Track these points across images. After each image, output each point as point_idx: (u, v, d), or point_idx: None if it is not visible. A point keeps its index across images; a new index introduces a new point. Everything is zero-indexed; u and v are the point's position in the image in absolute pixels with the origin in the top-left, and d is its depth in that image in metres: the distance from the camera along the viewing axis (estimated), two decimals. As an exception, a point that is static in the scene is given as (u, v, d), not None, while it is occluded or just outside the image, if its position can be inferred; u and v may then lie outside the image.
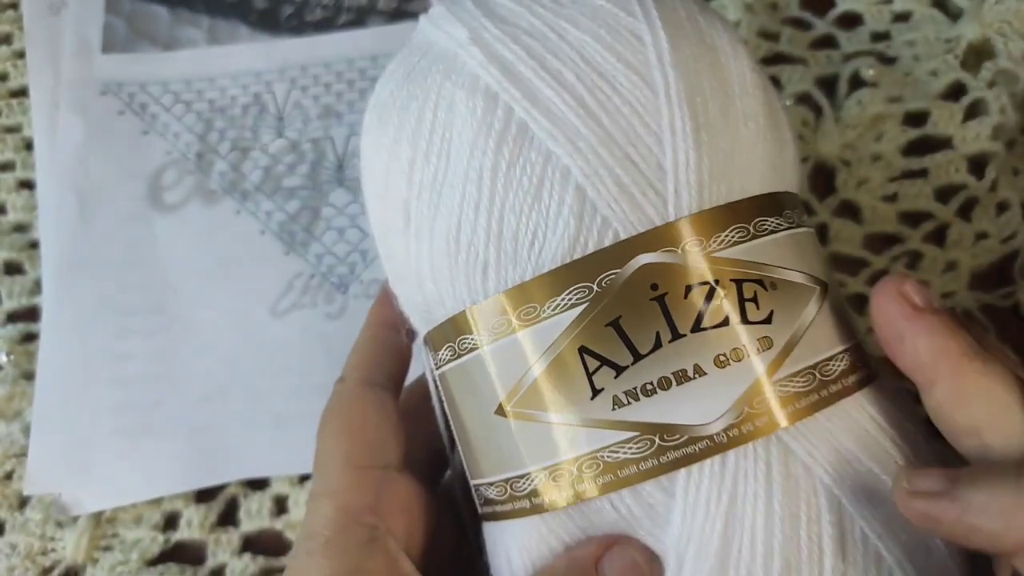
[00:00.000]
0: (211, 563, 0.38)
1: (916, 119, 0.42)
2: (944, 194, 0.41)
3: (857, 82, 0.43)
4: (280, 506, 0.39)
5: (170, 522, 0.39)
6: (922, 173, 0.41)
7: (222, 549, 0.39)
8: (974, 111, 0.41)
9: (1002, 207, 0.40)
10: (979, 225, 0.40)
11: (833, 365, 0.24)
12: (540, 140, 0.24)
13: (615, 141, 0.24)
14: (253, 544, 0.39)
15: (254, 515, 0.39)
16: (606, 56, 0.24)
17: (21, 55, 0.49)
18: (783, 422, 0.23)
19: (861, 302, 0.39)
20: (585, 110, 0.24)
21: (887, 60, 0.44)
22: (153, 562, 0.38)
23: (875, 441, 0.24)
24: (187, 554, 0.39)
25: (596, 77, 0.24)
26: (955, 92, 0.42)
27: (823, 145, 0.42)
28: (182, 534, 0.39)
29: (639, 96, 0.24)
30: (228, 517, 0.39)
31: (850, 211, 0.41)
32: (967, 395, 0.23)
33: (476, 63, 0.25)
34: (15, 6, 0.50)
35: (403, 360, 0.30)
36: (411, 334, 0.30)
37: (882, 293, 0.24)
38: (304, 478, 0.39)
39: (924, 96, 0.42)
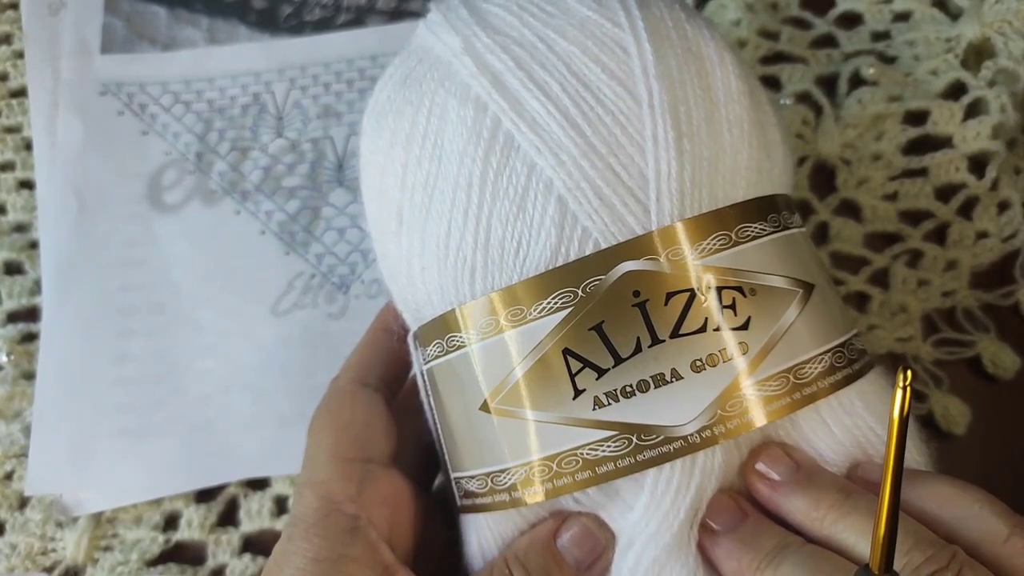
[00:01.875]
0: (211, 563, 0.38)
1: (916, 118, 0.42)
2: (944, 193, 0.41)
3: (857, 81, 0.43)
4: (281, 506, 0.39)
5: (170, 522, 0.39)
6: (922, 172, 0.41)
7: (222, 549, 0.38)
8: (974, 110, 0.41)
9: (1003, 206, 0.40)
10: (980, 224, 0.40)
11: (809, 368, 0.24)
12: (525, 151, 0.25)
13: (597, 152, 0.24)
14: (253, 544, 0.39)
15: (254, 515, 0.39)
16: (591, 67, 0.25)
17: (21, 55, 0.49)
18: (754, 425, 0.24)
19: (862, 300, 0.40)
20: (569, 122, 0.24)
21: (887, 59, 0.44)
22: (153, 562, 0.38)
23: (838, 442, 0.25)
24: (187, 554, 0.39)
25: (581, 88, 0.25)
26: (955, 91, 0.42)
27: (823, 144, 0.42)
28: (182, 534, 0.39)
29: (622, 107, 0.25)
30: (228, 517, 0.39)
31: (850, 210, 0.41)
32: None
33: (468, 73, 0.26)
34: (15, 6, 0.50)
35: (399, 363, 0.31)
36: (406, 337, 0.30)
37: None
38: (305, 478, 0.39)
39: (924, 95, 0.42)
